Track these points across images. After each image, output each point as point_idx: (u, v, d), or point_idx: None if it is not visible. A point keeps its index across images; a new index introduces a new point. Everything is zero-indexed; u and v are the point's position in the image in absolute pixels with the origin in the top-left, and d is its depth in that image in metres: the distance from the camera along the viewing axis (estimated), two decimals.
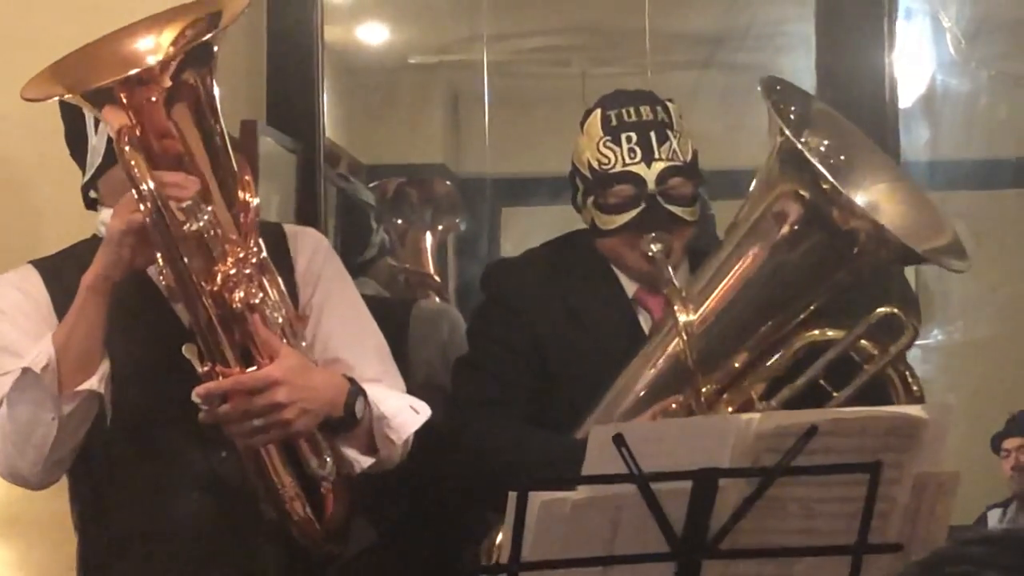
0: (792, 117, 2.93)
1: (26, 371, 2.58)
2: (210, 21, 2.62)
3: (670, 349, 2.95)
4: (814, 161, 2.81)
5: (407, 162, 5.78)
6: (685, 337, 2.86)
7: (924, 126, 5.61)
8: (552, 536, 2.23)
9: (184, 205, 2.52)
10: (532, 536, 2.20)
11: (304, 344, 2.68)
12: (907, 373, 2.94)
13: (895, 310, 2.91)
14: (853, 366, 2.93)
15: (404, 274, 4.41)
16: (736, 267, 2.95)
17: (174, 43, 2.62)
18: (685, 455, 2.24)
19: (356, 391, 2.68)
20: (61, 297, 2.70)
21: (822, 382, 2.91)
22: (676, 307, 2.87)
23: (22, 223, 3.31)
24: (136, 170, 2.50)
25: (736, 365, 2.95)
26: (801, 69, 4.49)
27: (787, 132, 2.84)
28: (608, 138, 3.04)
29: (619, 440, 2.20)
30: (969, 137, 5.90)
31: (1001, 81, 5.91)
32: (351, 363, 2.78)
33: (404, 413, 2.75)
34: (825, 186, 2.80)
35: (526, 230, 5.88)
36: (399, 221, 4.56)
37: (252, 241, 2.60)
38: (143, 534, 2.71)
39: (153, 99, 2.54)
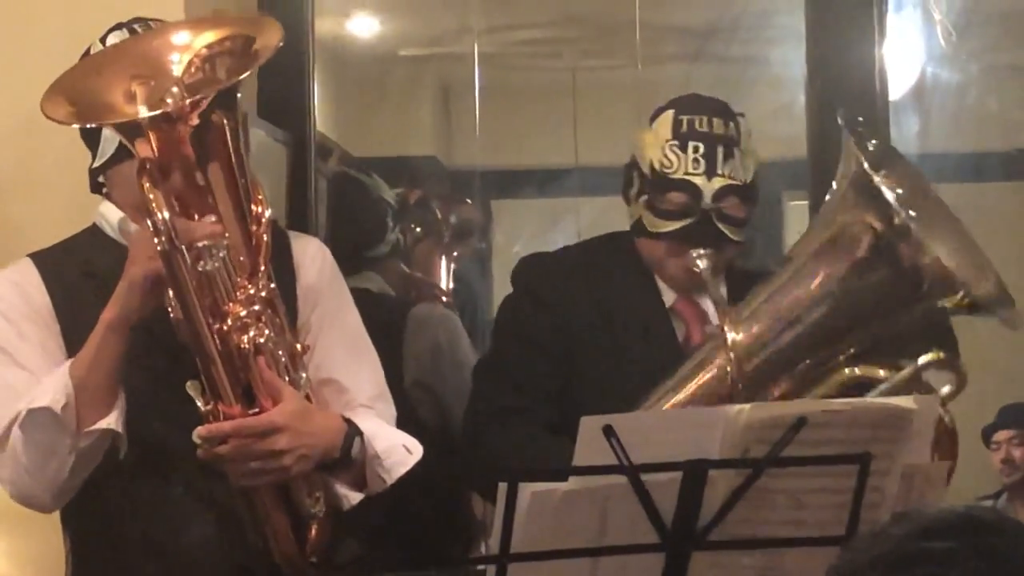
0: (870, 152, 2.90)
1: (46, 409, 2.56)
2: (243, 48, 2.61)
3: (713, 367, 2.92)
4: (889, 196, 2.79)
5: (398, 154, 5.78)
6: (732, 357, 2.84)
7: (914, 118, 5.61)
8: (542, 527, 2.23)
9: (200, 245, 2.50)
10: (522, 527, 2.21)
11: (304, 375, 2.67)
12: (948, 429, 2.89)
13: (943, 355, 2.89)
14: None
15: (412, 282, 4.41)
16: (794, 293, 2.91)
17: (204, 67, 2.60)
18: (675, 446, 2.24)
19: (353, 433, 2.67)
20: (60, 292, 2.69)
21: None
22: (726, 325, 2.85)
23: (27, 220, 3.31)
24: (154, 205, 2.47)
25: (776, 393, 2.92)
26: (791, 61, 4.50)
27: (864, 163, 2.81)
28: (676, 142, 3.02)
29: (609, 431, 2.21)
30: (959, 129, 5.91)
31: (991, 73, 5.91)
32: (345, 385, 2.78)
33: (397, 453, 2.73)
34: (897, 221, 2.78)
35: (516, 222, 5.89)
36: (417, 229, 4.58)
37: (262, 275, 2.59)
38: (141, 554, 2.70)
39: (180, 135, 2.52)
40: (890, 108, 3.96)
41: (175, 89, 2.57)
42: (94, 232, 2.76)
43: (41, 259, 2.76)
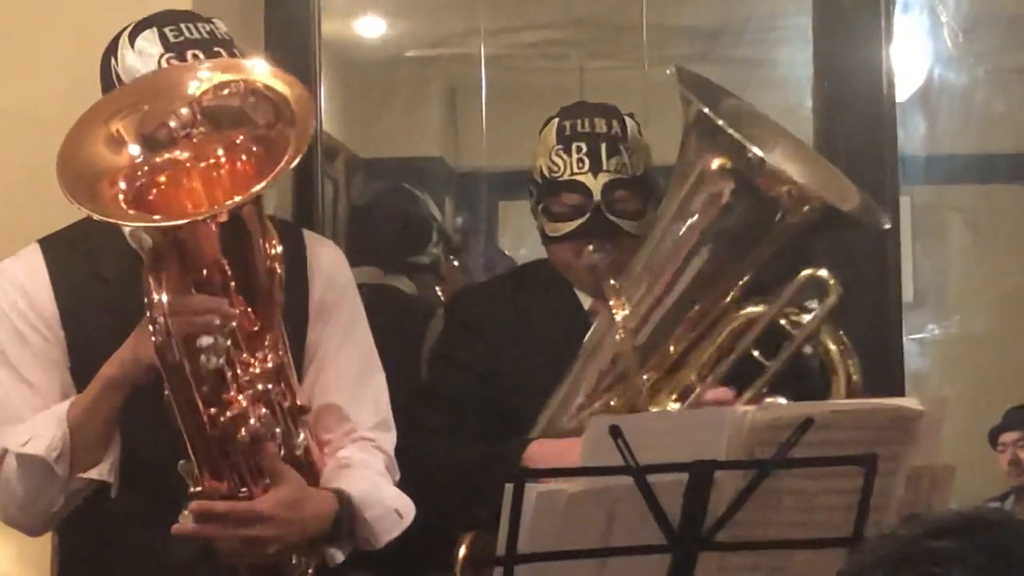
0: (706, 100, 2.96)
1: (40, 460, 2.55)
2: (282, 127, 2.43)
3: (609, 346, 2.97)
4: (731, 131, 2.84)
5: (404, 155, 5.78)
6: (622, 332, 2.89)
7: (921, 120, 5.61)
8: (548, 528, 2.23)
9: (204, 344, 2.41)
10: (528, 528, 2.20)
11: (302, 435, 2.60)
12: (840, 346, 2.93)
13: (817, 272, 2.92)
14: (782, 337, 2.94)
15: (434, 298, 4.44)
16: (663, 254, 2.98)
17: (244, 102, 2.46)
18: (681, 447, 2.24)
19: (343, 516, 2.63)
20: (67, 298, 2.66)
21: (756, 354, 2.92)
22: (612, 303, 2.91)
23: (30, 216, 3.30)
24: (153, 292, 2.38)
25: (672, 350, 2.98)
26: (798, 62, 4.49)
27: (705, 109, 2.86)
28: (560, 147, 3.09)
29: (615, 432, 2.21)
30: (966, 131, 5.90)
31: (998, 75, 5.91)
32: (348, 413, 2.76)
33: (387, 519, 2.71)
34: (749, 155, 2.82)
35: (523, 223, 5.88)
36: (452, 259, 4.61)
37: (270, 343, 2.52)
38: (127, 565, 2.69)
39: (208, 229, 2.43)
40: (897, 110, 3.95)
41: (184, 110, 2.44)
42: (108, 224, 2.65)
43: (50, 250, 2.70)
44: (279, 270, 2.53)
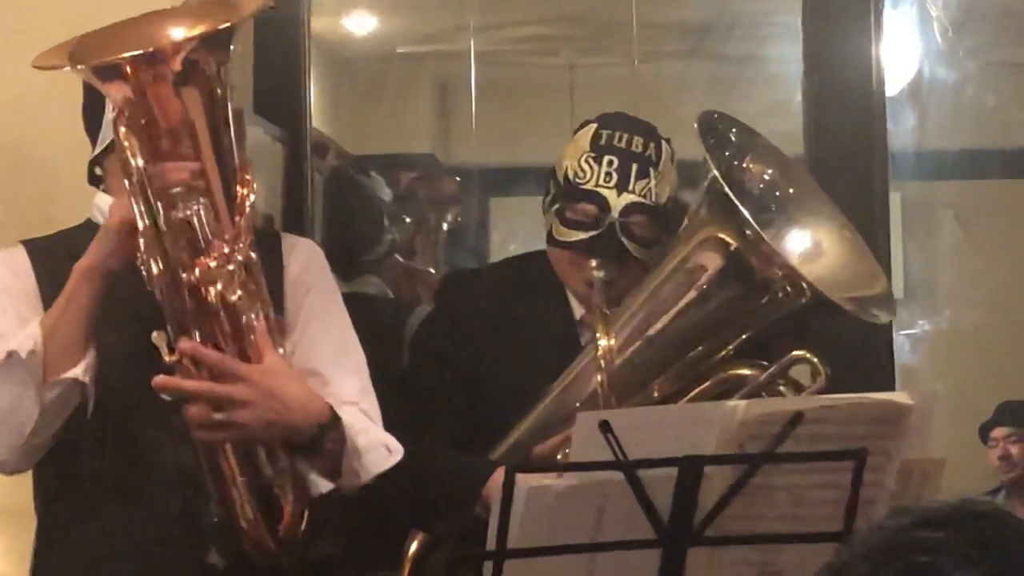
0: (728, 153, 2.93)
1: (11, 354, 2.56)
2: (230, 14, 2.61)
3: (589, 373, 2.95)
4: (740, 207, 2.82)
5: (395, 151, 5.78)
6: (603, 364, 2.87)
7: (911, 115, 5.61)
8: (538, 523, 2.23)
9: (175, 191, 2.49)
10: (518, 523, 2.20)
11: (282, 351, 2.64)
12: None
13: (808, 355, 2.91)
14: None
15: (411, 273, 4.42)
16: (661, 299, 2.96)
17: (192, 29, 2.59)
18: (671, 442, 2.24)
19: (332, 424, 2.63)
20: (47, 280, 2.68)
21: None
22: (598, 332, 2.89)
23: (30, 203, 3.30)
24: (128, 150, 2.48)
25: (655, 394, 2.96)
26: (788, 58, 4.49)
27: (717, 174, 2.84)
28: (592, 154, 3.03)
29: (605, 427, 2.21)
30: (956, 126, 5.90)
31: (988, 70, 5.90)
32: (329, 379, 2.75)
33: (377, 451, 2.71)
34: (748, 232, 2.81)
35: (514, 220, 5.88)
36: (407, 220, 4.58)
37: (242, 241, 2.56)
38: (105, 525, 2.68)
39: (162, 80, 2.51)
40: (887, 105, 3.95)
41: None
42: (88, 226, 2.75)
43: (33, 246, 2.76)
44: (249, 194, 2.58)
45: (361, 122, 5.86)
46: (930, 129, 5.76)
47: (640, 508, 2.23)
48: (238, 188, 2.59)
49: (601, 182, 3.01)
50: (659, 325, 2.95)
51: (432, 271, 4.60)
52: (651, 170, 3.02)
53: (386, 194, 4.25)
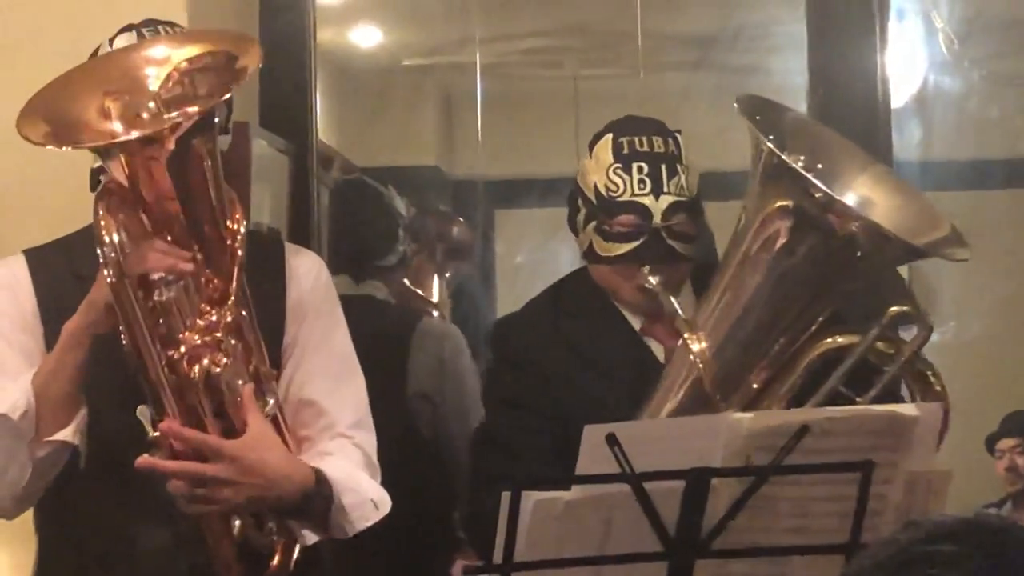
0: (772, 133, 2.91)
1: (4, 416, 2.56)
2: (224, 65, 2.56)
3: (687, 380, 2.89)
4: (802, 171, 2.79)
5: (400, 164, 5.79)
6: (701, 365, 2.82)
7: (916, 126, 5.62)
8: (545, 536, 2.23)
9: (156, 276, 2.47)
10: (525, 536, 2.20)
11: (271, 401, 2.61)
12: (928, 372, 2.89)
13: (906, 307, 2.88)
14: (871, 370, 2.87)
15: (409, 295, 4.42)
16: (739, 288, 2.90)
17: (183, 81, 2.55)
18: (677, 455, 2.24)
19: (317, 492, 2.60)
20: (46, 293, 2.68)
21: (843, 389, 2.84)
22: (687, 336, 2.83)
23: (20, 228, 3.30)
24: (104, 232, 2.45)
25: (754, 385, 2.90)
26: (793, 70, 4.50)
27: (771, 146, 2.81)
28: (619, 165, 3.00)
29: (612, 440, 2.21)
30: (961, 137, 5.91)
31: (993, 81, 5.91)
32: (326, 409, 2.73)
33: (364, 508, 2.68)
34: (817, 195, 2.78)
35: (519, 232, 5.89)
36: (412, 244, 4.59)
37: (232, 300, 2.53)
38: (106, 561, 2.68)
39: (155, 159, 2.47)
40: (892, 116, 3.96)
41: (151, 104, 2.53)
42: (89, 234, 2.69)
43: (34, 257, 2.74)
44: (239, 249, 2.54)
45: (366, 134, 5.87)
46: (935, 140, 5.77)
47: (647, 520, 2.23)
48: (228, 224, 2.57)
49: (637, 191, 2.99)
50: (745, 309, 2.89)
51: (428, 299, 4.61)
52: (678, 166, 3.01)
53: (402, 208, 4.26)
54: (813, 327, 2.89)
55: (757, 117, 2.88)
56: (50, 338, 2.64)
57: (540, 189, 5.69)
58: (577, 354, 3.03)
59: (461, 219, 5.11)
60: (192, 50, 2.59)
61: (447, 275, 4.76)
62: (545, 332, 3.07)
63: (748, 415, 2.31)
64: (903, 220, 2.86)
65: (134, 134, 2.48)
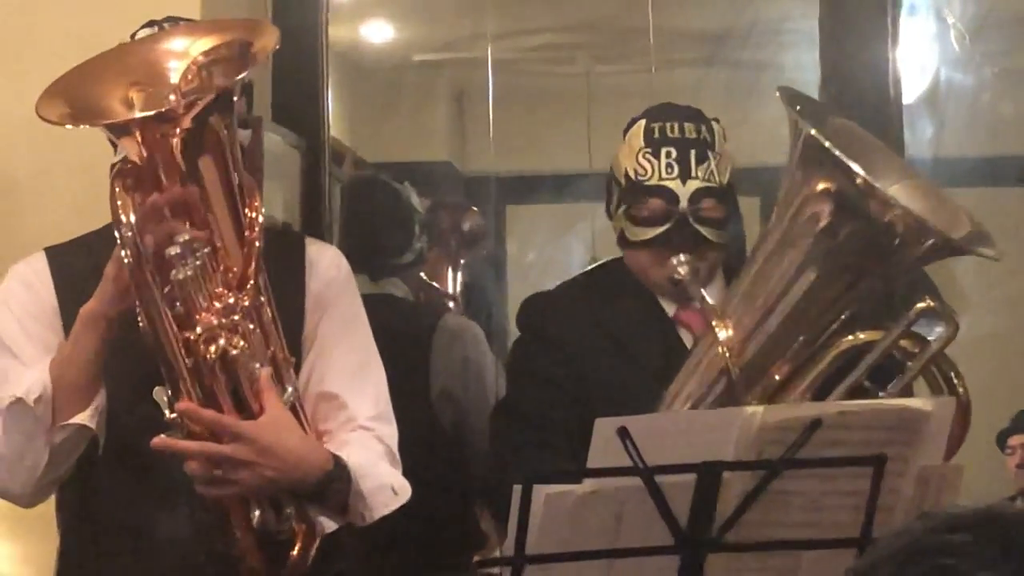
0: (813, 123, 2.90)
1: (19, 400, 2.56)
2: (240, 52, 2.57)
3: (711, 367, 2.89)
4: (843, 157, 2.78)
5: (412, 159, 5.79)
6: (727, 354, 2.81)
7: (928, 123, 5.60)
8: (556, 529, 2.23)
9: (173, 253, 2.45)
10: (536, 529, 2.21)
11: (290, 389, 2.60)
12: (951, 373, 2.89)
13: (933, 303, 2.86)
14: (896, 368, 2.87)
15: (427, 289, 4.43)
16: (773, 275, 2.89)
17: (201, 73, 2.57)
18: (689, 448, 2.24)
19: (335, 476, 2.61)
20: (67, 291, 2.68)
21: (866, 383, 2.85)
22: (714, 323, 2.83)
23: (35, 220, 3.31)
24: (120, 211, 2.44)
25: (777, 377, 2.89)
26: (805, 66, 4.49)
27: (813, 131, 2.80)
28: (648, 150, 3.02)
29: (623, 433, 2.21)
30: (973, 134, 5.89)
31: (1005, 77, 5.91)
32: (346, 402, 2.73)
33: (383, 494, 2.68)
34: (858, 181, 2.77)
35: (531, 228, 5.89)
36: (425, 237, 4.59)
37: (251, 285, 2.52)
38: (125, 550, 2.69)
39: (171, 139, 2.47)
40: (904, 113, 3.96)
41: (172, 96, 2.54)
42: (109, 231, 2.68)
43: (55, 254, 2.76)
44: (257, 235, 2.53)
45: (378, 130, 5.87)
46: (947, 136, 5.76)
47: (658, 514, 2.23)
48: (246, 212, 2.56)
49: (664, 175, 3.00)
50: (776, 297, 2.87)
51: (447, 293, 4.62)
52: (709, 153, 3.02)
53: (418, 204, 4.27)
54: (838, 323, 2.89)
55: (798, 107, 2.88)
56: (70, 333, 2.64)
57: (552, 185, 5.69)
58: (607, 334, 3.04)
59: (474, 207, 5.11)
60: (209, 41, 2.60)
61: (462, 262, 4.76)
62: (577, 311, 3.08)
63: (760, 408, 2.31)
64: (939, 217, 2.85)
65: (150, 112, 2.48)
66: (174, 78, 2.57)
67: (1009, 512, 1.35)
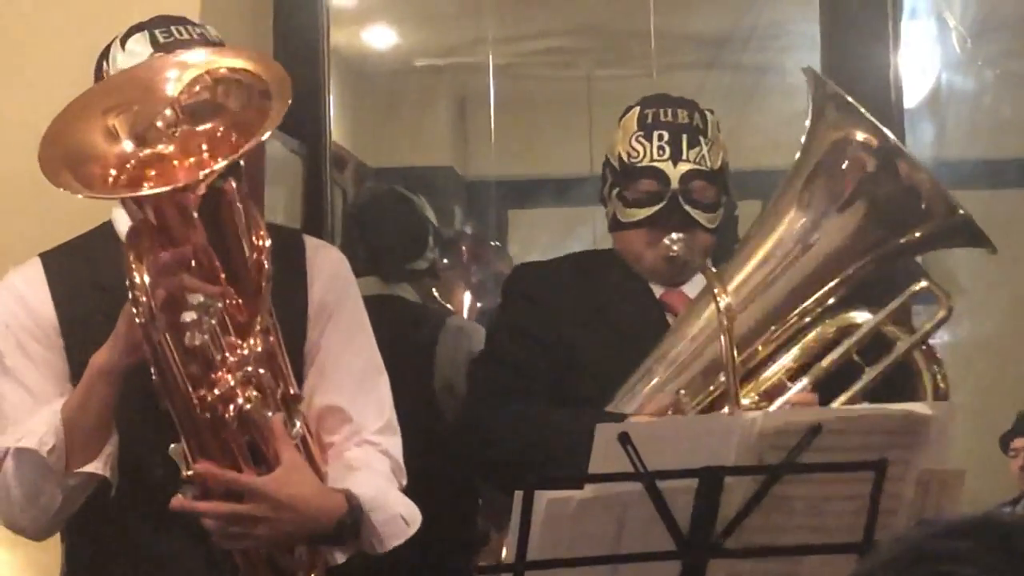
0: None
1: (32, 452, 2.54)
2: (259, 105, 2.48)
3: (702, 334, 2.93)
4: (872, 118, 2.80)
5: (413, 164, 5.79)
6: (726, 324, 2.79)
7: (930, 125, 5.61)
8: (558, 535, 2.23)
9: (188, 320, 2.41)
10: (538, 535, 2.20)
11: (298, 424, 2.57)
12: (936, 367, 2.92)
13: (929, 284, 2.89)
14: (884, 349, 2.90)
15: (438, 305, 4.44)
16: (782, 242, 2.94)
17: (217, 89, 2.49)
18: (690, 453, 2.24)
19: (347, 516, 2.59)
20: (66, 307, 2.65)
21: (855, 357, 2.89)
22: (716, 290, 2.80)
23: (34, 226, 3.31)
24: (135, 273, 2.40)
25: (760, 348, 2.94)
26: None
27: (840, 90, 2.82)
28: (641, 133, 3.06)
29: (624, 438, 2.21)
30: (975, 136, 5.90)
31: (1006, 80, 5.91)
32: (351, 415, 2.71)
33: (394, 525, 2.66)
34: (887, 141, 2.79)
35: (532, 232, 5.90)
36: (444, 260, 4.61)
37: (259, 328, 2.49)
38: (131, 553, 2.68)
39: (184, 203, 2.43)
40: (905, 116, 3.96)
41: (168, 112, 2.48)
42: (107, 232, 2.71)
43: (51, 263, 2.71)
44: (266, 264, 2.50)
45: (380, 135, 5.88)
46: (948, 139, 5.77)
47: (660, 519, 2.23)
48: (254, 240, 2.52)
49: (656, 157, 3.04)
50: (780, 260, 2.92)
51: (459, 311, 4.63)
52: (701, 138, 3.06)
53: (431, 216, 4.29)
54: (839, 294, 2.92)
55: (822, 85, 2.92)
56: (71, 352, 2.63)
57: (553, 189, 5.70)
58: (593, 305, 3.08)
59: (500, 249, 5.12)
60: (220, 61, 2.54)
61: (479, 305, 4.78)
62: (564, 280, 3.12)
63: (760, 414, 2.31)
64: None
65: (168, 187, 2.42)
66: (171, 91, 2.50)
67: (1008, 519, 1.35)
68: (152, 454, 2.56)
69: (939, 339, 5.50)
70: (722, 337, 2.81)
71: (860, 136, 2.86)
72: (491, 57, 5.52)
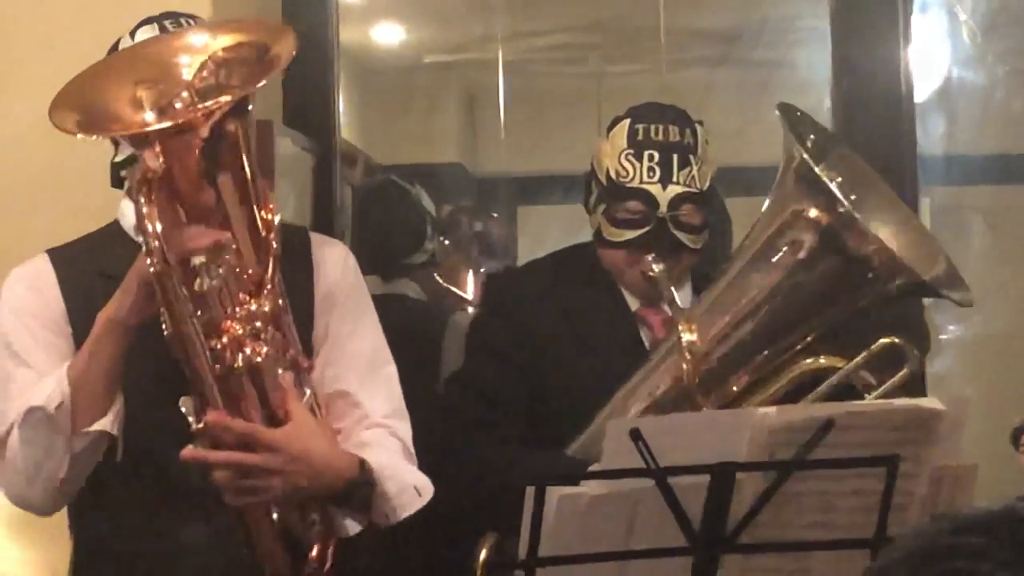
0: (809, 145, 2.91)
1: (40, 409, 2.54)
2: (258, 56, 2.54)
3: (671, 368, 2.92)
4: (829, 184, 2.79)
5: (423, 161, 5.79)
6: (688, 356, 2.84)
7: (940, 120, 5.60)
8: (569, 531, 2.23)
9: (197, 263, 2.44)
10: (549, 531, 2.21)
11: (308, 392, 2.60)
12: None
13: (896, 340, 2.88)
14: (854, 396, 2.88)
15: (442, 292, 4.44)
16: (744, 288, 2.92)
17: (218, 72, 2.53)
18: (702, 449, 2.24)
19: (363, 480, 2.60)
20: (74, 296, 2.66)
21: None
22: (680, 327, 2.85)
23: (47, 224, 3.31)
24: (147, 221, 2.41)
25: (734, 388, 2.93)
26: (816, 64, 4.50)
27: (804, 155, 2.81)
28: (631, 151, 3.03)
29: (636, 434, 2.20)
30: (985, 131, 5.89)
31: (1017, 75, 5.90)
32: (360, 400, 2.73)
33: (406, 494, 2.67)
34: (841, 210, 2.78)
35: (542, 228, 5.89)
36: (447, 242, 4.60)
37: (269, 289, 2.51)
38: (142, 557, 2.68)
39: (191, 147, 2.45)
40: (916, 110, 3.95)
41: (184, 94, 2.52)
42: (114, 230, 2.73)
43: (58, 256, 2.72)
44: (274, 241, 2.52)
45: (389, 132, 5.88)
46: (959, 134, 5.75)
47: (671, 515, 2.23)
48: (262, 214, 2.54)
49: (645, 178, 3.01)
50: (746, 310, 2.90)
51: (465, 298, 4.63)
52: (691, 157, 3.03)
53: (429, 206, 4.27)
54: (806, 340, 2.92)
55: (797, 129, 2.89)
56: (79, 339, 2.63)
57: (563, 185, 5.69)
58: (567, 318, 3.07)
59: (494, 214, 5.11)
60: (226, 39, 2.57)
61: (482, 269, 4.77)
62: (539, 292, 3.11)
63: (772, 409, 2.30)
64: (916, 256, 2.86)
65: (168, 123, 2.46)
66: (186, 75, 2.54)
67: (1023, 513, 1.34)
68: (158, 425, 2.56)
69: (950, 335, 5.51)
70: (684, 366, 2.84)
71: (814, 207, 2.84)
72: (500, 54, 5.51)
